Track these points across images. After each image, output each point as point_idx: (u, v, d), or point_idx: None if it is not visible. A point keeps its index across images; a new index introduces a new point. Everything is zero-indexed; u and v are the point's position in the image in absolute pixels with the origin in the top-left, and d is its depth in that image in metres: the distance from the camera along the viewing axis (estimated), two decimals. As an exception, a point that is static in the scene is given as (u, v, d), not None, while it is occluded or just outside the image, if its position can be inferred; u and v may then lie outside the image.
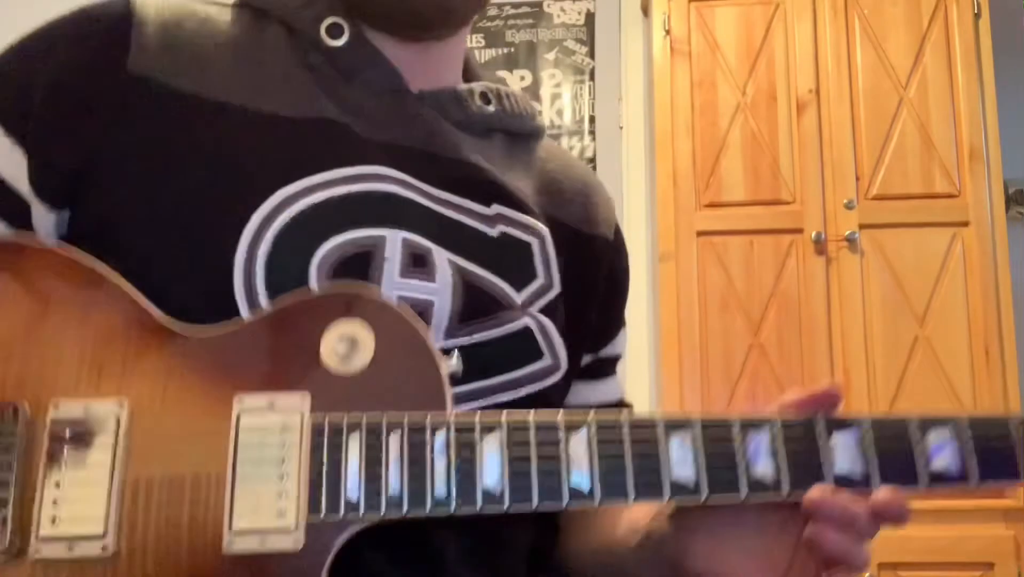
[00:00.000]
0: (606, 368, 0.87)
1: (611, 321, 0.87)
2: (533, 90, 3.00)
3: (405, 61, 0.77)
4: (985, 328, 2.34)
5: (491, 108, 0.81)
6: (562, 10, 3.05)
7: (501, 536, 0.71)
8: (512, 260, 0.75)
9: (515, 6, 3.04)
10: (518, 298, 0.74)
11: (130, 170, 0.67)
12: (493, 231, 0.75)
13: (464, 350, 0.68)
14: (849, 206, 2.42)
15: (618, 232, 0.88)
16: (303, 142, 0.71)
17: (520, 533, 0.74)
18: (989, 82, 2.45)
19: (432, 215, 0.72)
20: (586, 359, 0.84)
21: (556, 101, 3.00)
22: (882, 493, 0.60)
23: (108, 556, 0.56)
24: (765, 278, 2.43)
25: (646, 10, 2.86)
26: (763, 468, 0.61)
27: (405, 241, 0.70)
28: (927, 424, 0.63)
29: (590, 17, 3.04)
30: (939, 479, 0.62)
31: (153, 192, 0.67)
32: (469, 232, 0.74)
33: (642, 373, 2.75)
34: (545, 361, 0.74)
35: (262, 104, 0.71)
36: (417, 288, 0.69)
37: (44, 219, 0.69)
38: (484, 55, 3.02)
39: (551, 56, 3.03)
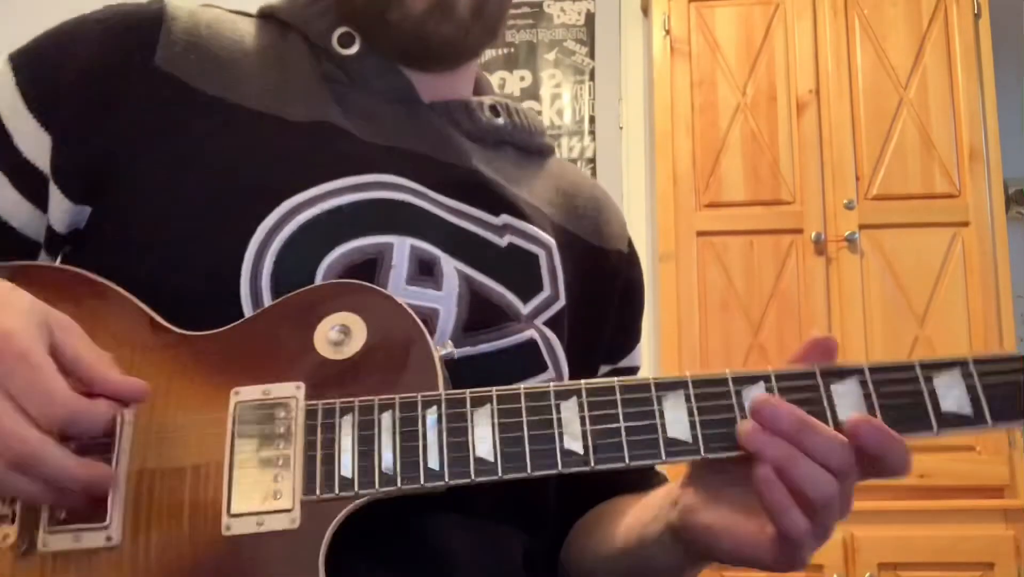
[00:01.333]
0: None
1: (629, 333, 0.88)
2: (533, 90, 3.00)
3: (416, 75, 0.79)
4: (985, 328, 2.34)
5: (500, 121, 0.82)
6: (562, 10, 3.05)
7: (498, 538, 0.71)
8: (519, 271, 0.75)
9: (515, 6, 3.03)
10: (524, 309, 0.74)
11: (150, 168, 0.70)
12: (502, 241, 0.76)
13: (468, 361, 0.68)
14: (849, 206, 2.42)
15: (631, 245, 0.89)
16: (312, 150, 0.72)
17: (514, 536, 0.73)
18: (989, 82, 2.45)
19: (441, 223, 0.73)
20: (604, 370, 0.85)
21: (556, 101, 3.00)
22: (853, 416, 0.58)
23: (113, 545, 0.58)
24: (765, 278, 2.43)
25: (646, 10, 2.86)
26: None
27: (413, 248, 0.70)
28: (932, 367, 0.61)
29: (590, 17, 3.04)
30: (951, 422, 0.60)
31: (167, 196, 0.69)
32: (478, 241, 0.74)
33: (642, 373, 2.74)
34: (548, 374, 0.74)
35: (276, 109, 0.73)
36: (423, 296, 0.69)
37: (60, 205, 0.71)
38: (484, 55, 3.02)
39: (551, 56, 3.03)
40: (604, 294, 0.84)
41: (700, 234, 2.47)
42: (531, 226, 0.78)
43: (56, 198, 0.71)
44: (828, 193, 2.44)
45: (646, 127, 2.91)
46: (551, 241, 0.79)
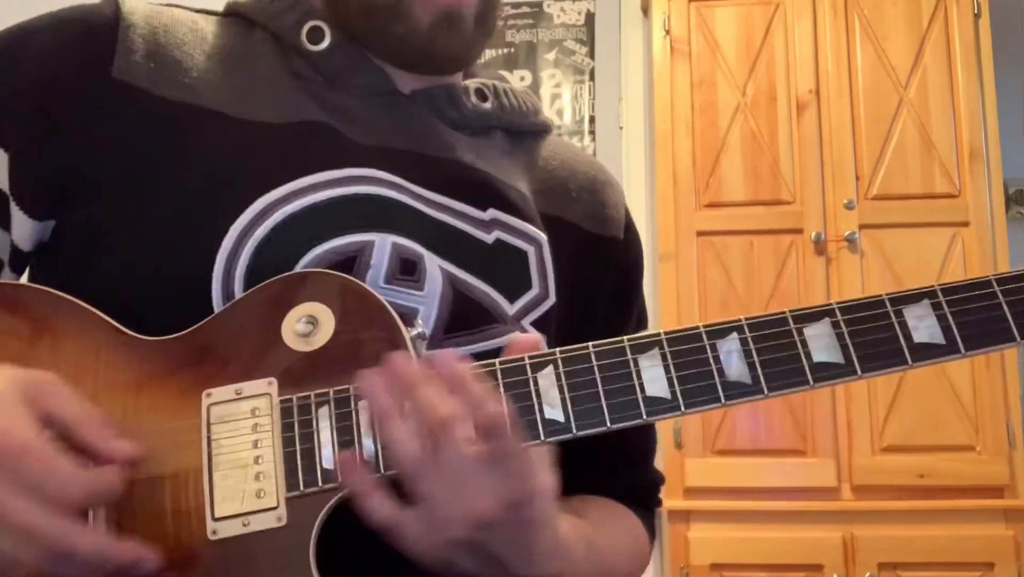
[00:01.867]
0: None
1: (624, 316, 0.85)
2: (533, 90, 3.00)
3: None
4: (985, 328, 2.34)
5: (487, 105, 0.79)
6: (562, 10, 3.05)
7: None
8: (507, 269, 0.73)
9: (515, 6, 3.04)
10: (510, 309, 0.72)
11: (114, 180, 0.67)
12: (489, 237, 0.73)
13: None
14: (849, 206, 2.42)
15: (629, 228, 0.86)
16: (288, 147, 0.69)
17: None
18: (989, 82, 2.45)
19: (425, 219, 0.70)
20: None
21: (556, 101, 3.00)
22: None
23: None
24: (765, 278, 2.43)
25: (646, 10, 2.85)
26: (737, 371, 0.60)
27: (395, 246, 0.68)
28: (901, 300, 0.62)
29: (590, 17, 3.04)
30: (925, 354, 0.60)
31: (135, 204, 0.67)
32: (463, 238, 0.72)
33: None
34: None
35: (247, 112, 0.70)
36: (403, 296, 0.68)
37: (22, 223, 0.68)
38: (484, 55, 3.02)
39: (551, 56, 3.03)
40: (596, 281, 0.81)
41: (700, 234, 2.47)
42: (520, 221, 0.75)
43: (18, 217, 0.68)
44: (828, 193, 2.44)
45: (646, 127, 2.91)
46: (542, 236, 0.76)
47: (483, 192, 0.74)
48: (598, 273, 0.82)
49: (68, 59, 0.68)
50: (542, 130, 0.85)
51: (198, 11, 0.77)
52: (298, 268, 0.66)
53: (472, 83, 0.79)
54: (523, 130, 0.82)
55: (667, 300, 2.44)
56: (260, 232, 0.66)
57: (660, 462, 0.89)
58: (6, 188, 0.68)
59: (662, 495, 0.89)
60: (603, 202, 0.84)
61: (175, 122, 0.68)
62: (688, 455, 2.35)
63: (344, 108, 0.73)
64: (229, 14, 0.78)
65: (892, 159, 2.45)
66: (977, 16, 2.48)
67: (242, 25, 0.76)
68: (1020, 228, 3.16)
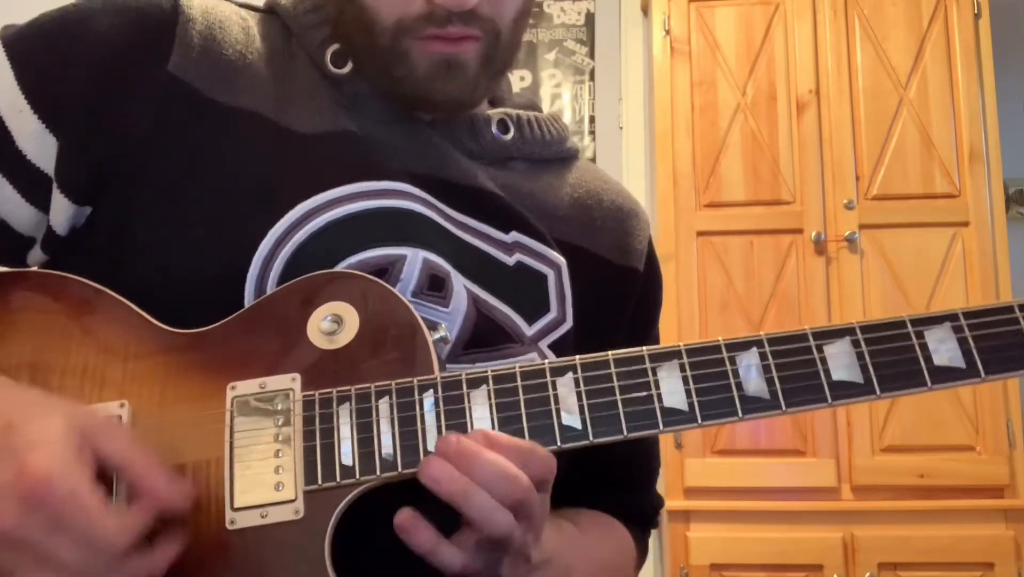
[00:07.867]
0: None
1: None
2: (533, 90, 3.00)
3: None
4: (985, 328, 2.34)
5: (508, 137, 0.79)
6: (562, 10, 3.05)
7: None
8: (526, 291, 0.74)
9: (515, 6, 3.03)
10: (528, 331, 0.73)
11: (155, 174, 0.68)
12: (510, 259, 0.74)
13: None
14: (849, 206, 2.42)
15: (651, 260, 0.86)
16: (327, 155, 0.70)
17: None
18: (989, 82, 2.45)
19: (452, 238, 0.72)
20: None
21: (556, 101, 3.00)
22: (480, 429, 0.59)
23: None
24: (765, 278, 2.43)
25: (646, 10, 2.86)
26: (756, 386, 0.61)
27: (426, 262, 0.69)
28: (922, 322, 0.62)
29: (590, 17, 3.04)
30: (944, 376, 0.61)
31: (174, 200, 0.67)
32: (486, 259, 0.73)
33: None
34: None
35: (288, 119, 0.71)
36: (427, 310, 0.69)
37: (62, 207, 0.69)
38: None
39: (551, 56, 3.03)
40: (615, 312, 0.82)
41: (700, 234, 2.47)
42: (541, 245, 0.76)
43: (59, 201, 0.68)
44: (828, 193, 2.44)
45: (646, 127, 2.91)
46: (561, 260, 0.76)
47: (506, 214, 0.75)
48: (616, 302, 0.82)
49: (126, 49, 0.69)
50: (569, 157, 0.85)
51: (241, 5, 0.78)
52: None
53: (496, 113, 0.79)
54: (545, 158, 0.82)
55: (667, 300, 2.43)
56: (298, 237, 0.67)
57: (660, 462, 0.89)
58: (51, 172, 0.68)
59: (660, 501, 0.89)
60: (627, 231, 0.84)
61: (221, 125, 0.69)
62: (688, 455, 2.35)
63: (368, 131, 0.73)
64: (269, 11, 0.78)
65: (892, 159, 2.45)
66: (977, 16, 2.48)
67: (281, 29, 0.76)
68: (1020, 228, 3.16)
